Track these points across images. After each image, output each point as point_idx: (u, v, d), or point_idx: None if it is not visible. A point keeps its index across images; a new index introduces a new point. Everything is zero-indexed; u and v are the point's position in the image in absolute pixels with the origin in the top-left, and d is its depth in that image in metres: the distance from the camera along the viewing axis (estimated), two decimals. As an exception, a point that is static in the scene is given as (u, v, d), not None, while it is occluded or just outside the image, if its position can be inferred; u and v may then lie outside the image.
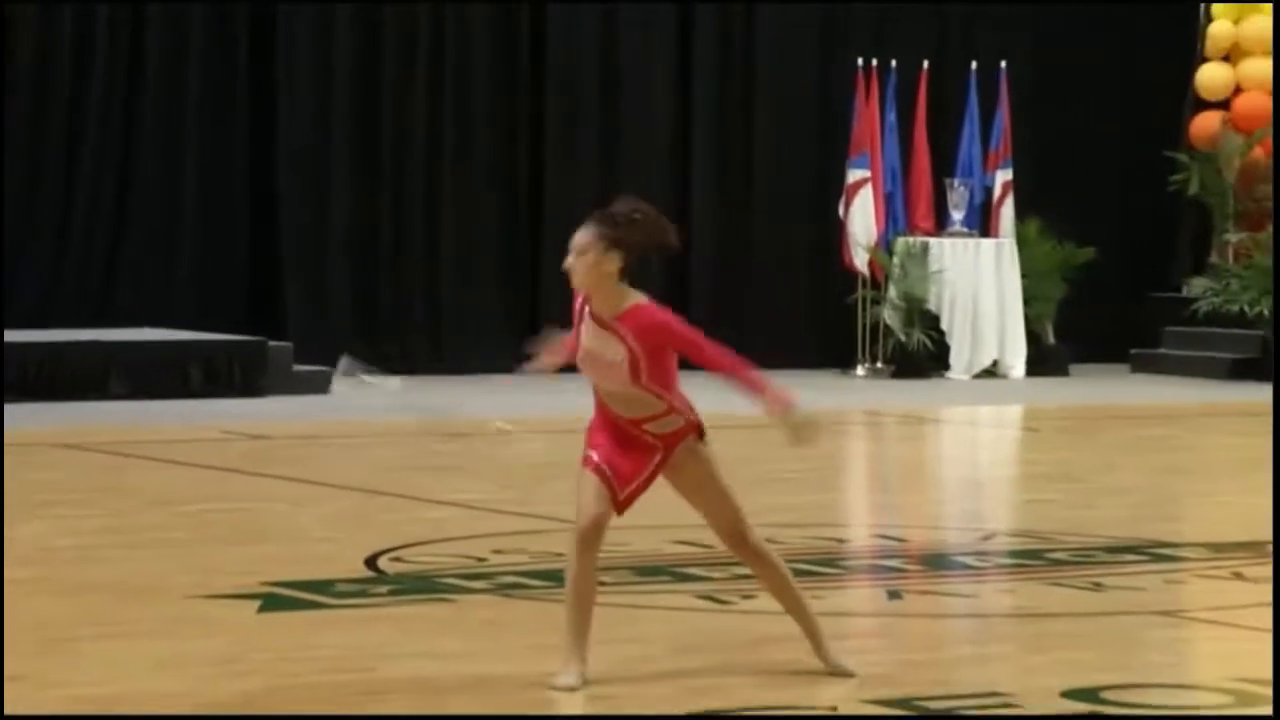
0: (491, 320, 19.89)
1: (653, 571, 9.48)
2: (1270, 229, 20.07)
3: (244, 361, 17.55)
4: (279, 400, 17.03)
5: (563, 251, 7.33)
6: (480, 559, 9.75)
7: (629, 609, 8.70)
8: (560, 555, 9.75)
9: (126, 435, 14.59)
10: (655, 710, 6.81)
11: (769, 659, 7.68)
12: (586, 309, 7.28)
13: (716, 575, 9.33)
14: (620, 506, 7.29)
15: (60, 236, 18.73)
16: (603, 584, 9.12)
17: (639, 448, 7.28)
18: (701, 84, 20.57)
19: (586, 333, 7.25)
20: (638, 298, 7.24)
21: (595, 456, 7.25)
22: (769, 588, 7.49)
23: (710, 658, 7.71)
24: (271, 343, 17.93)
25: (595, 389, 7.32)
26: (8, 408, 15.54)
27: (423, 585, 9.11)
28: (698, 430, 7.35)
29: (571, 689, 7.08)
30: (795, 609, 7.45)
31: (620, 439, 7.28)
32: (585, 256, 7.18)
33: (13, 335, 17.04)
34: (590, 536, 7.26)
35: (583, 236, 7.18)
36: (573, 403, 17.34)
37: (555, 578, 9.28)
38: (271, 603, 8.63)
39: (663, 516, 11.09)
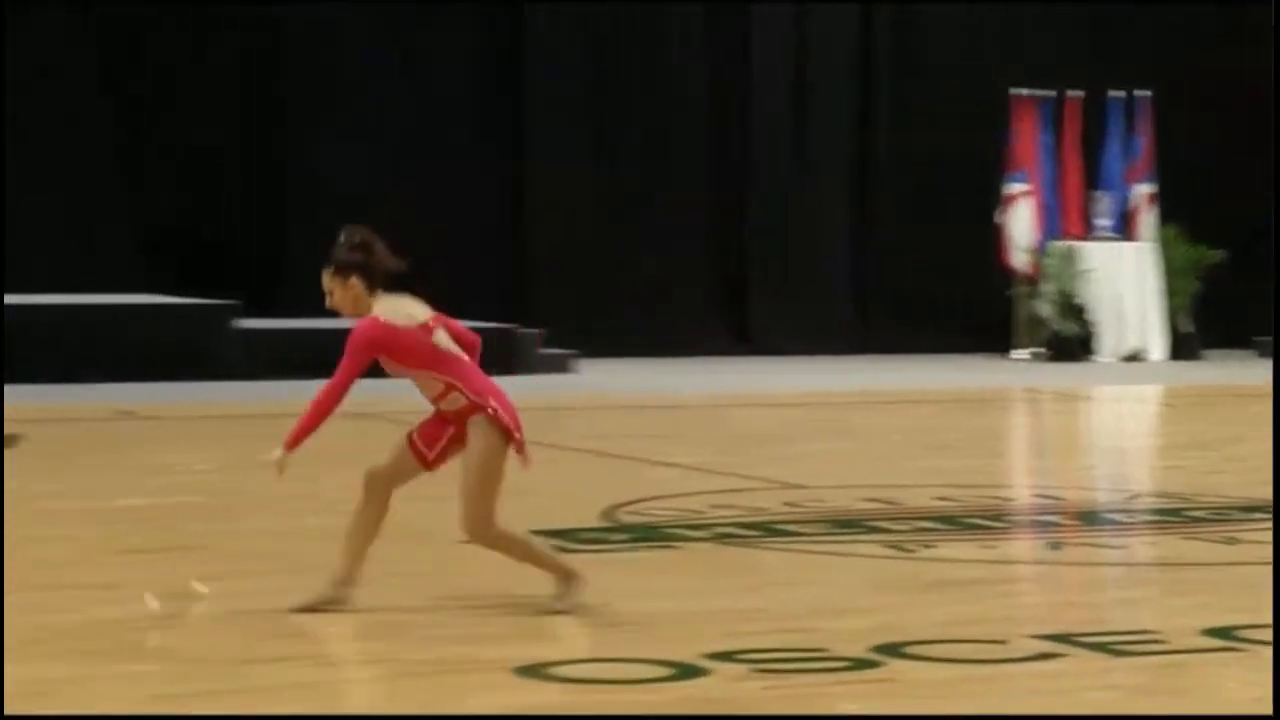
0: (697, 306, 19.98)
1: (846, 525, 9.45)
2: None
3: (500, 345, 17.69)
4: (529, 378, 17.15)
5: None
6: (699, 512, 9.76)
7: (826, 556, 8.68)
8: (766, 510, 9.82)
9: (402, 405, 14.71)
10: (847, 641, 6.80)
11: (946, 599, 7.64)
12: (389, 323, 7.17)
13: (901, 528, 9.30)
14: (430, 465, 7.21)
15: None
16: (803, 535, 9.16)
17: (440, 419, 7.19)
18: (883, 109, 20.60)
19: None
20: (372, 311, 7.10)
21: (412, 425, 7.24)
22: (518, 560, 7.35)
23: (894, 598, 7.67)
24: (521, 329, 18.05)
25: None
26: (257, 385, 15.67)
27: (652, 534, 9.13)
28: (484, 411, 7.12)
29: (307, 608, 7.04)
30: (544, 567, 7.31)
31: (433, 416, 7.23)
32: (333, 296, 7.15)
33: (303, 322, 17.29)
34: (371, 482, 7.22)
35: (325, 281, 7.13)
36: (774, 380, 17.42)
37: (763, 528, 9.31)
38: (526, 548, 8.67)
39: (853, 478, 11.11)
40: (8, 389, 15.47)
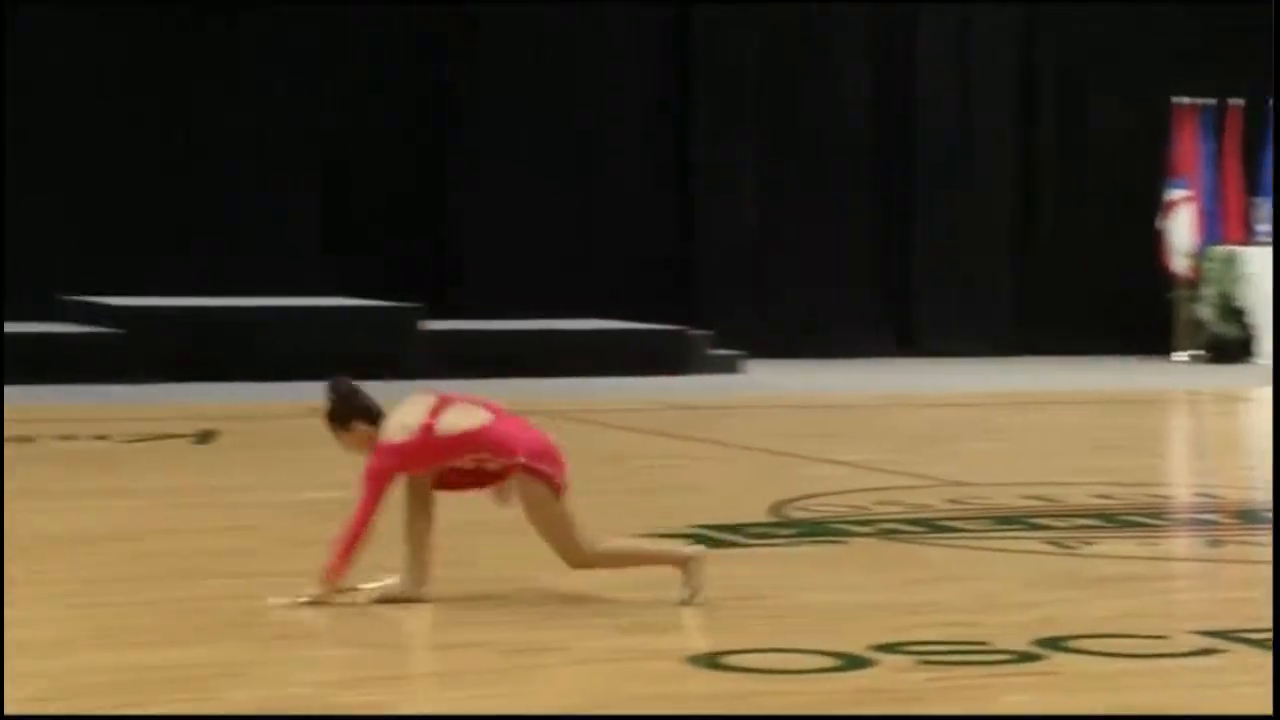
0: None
1: (1008, 521, 9.33)
2: None
3: (671, 346, 17.69)
4: (699, 378, 17.13)
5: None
6: (864, 508, 9.68)
7: (988, 552, 8.58)
8: (929, 507, 9.71)
9: (579, 405, 14.77)
10: (1010, 635, 6.70)
11: (1106, 594, 7.52)
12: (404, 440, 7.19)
13: (1061, 525, 9.17)
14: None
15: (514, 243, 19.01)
16: (966, 531, 9.05)
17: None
18: (1047, 113, 20.43)
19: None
20: (379, 441, 7.14)
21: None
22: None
23: (1055, 594, 7.56)
24: (691, 331, 18.04)
25: None
26: (485, 382, 15.84)
27: (819, 529, 9.07)
28: (518, 470, 7.07)
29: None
30: (659, 562, 7.23)
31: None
32: (344, 443, 7.25)
33: (485, 324, 17.40)
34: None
35: (333, 435, 7.27)
36: (936, 381, 17.27)
37: (928, 525, 9.21)
38: (699, 541, 8.63)
39: (1015, 475, 10.98)
40: (201, 386, 15.69)
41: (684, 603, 7.08)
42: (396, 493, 7.22)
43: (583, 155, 19.24)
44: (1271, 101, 19.48)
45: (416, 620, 6.93)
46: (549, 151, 19.12)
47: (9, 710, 5.69)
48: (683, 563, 7.20)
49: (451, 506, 7.37)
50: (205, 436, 12.42)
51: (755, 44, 19.63)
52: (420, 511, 7.22)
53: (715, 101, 19.54)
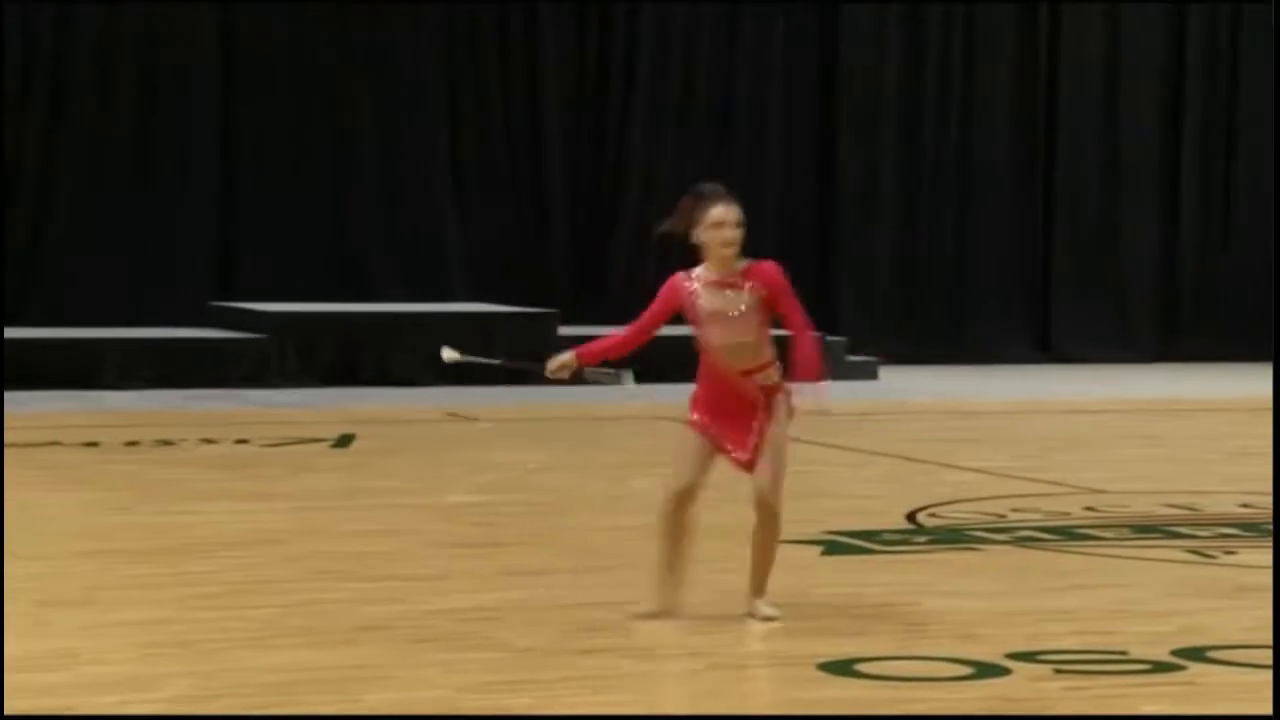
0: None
1: (1147, 530, 9.25)
2: None
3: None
4: (836, 384, 17.05)
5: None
6: (1000, 515, 9.63)
7: (1127, 560, 8.51)
8: (1067, 514, 9.65)
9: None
10: (1148, 644, 6.64)
11: (1247, 604, 7.44)
12: (695, 283, 6.99)
13: (1202, 534, 9.08)
14: (747, 466, 6.99)
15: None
16: (1103, 539, 8.98)
17: (742, 406, 6.95)
18: (1194, 114, 20.24)
19: (706, 298, 6.97)
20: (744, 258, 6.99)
21: (700, 419, 6.98)
22: (757, 542, 7.06)
23: (1195, 603, 7.50)
24: (829, 337, 17.99)
25: (707, 355, 7.00)
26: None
27: (954, 536, 9.03)
28: (785, 391, 6.98)
29: (651, 616, 6.88)
30: (765, 563, 7.06)
31: (723, 405, 6.96)
32: (742, 227, 6.98)
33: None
34: (686, 500, 6.99)
35: (739, 213, 6.97)
36: (1075, 387, 17.13)
37: (1065, 533, 9.15)
38: (832, 548, 8.65)
39: (1154, 483, 10.87)
40: (339, 391, 15.84)
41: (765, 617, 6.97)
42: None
43: (726, 162, 19.24)
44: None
45: (554, 625, 6.97)
46: (694, 157, 19.15)
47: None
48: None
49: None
50: (343, 440, 12.54)
51: (895, 42, 19.53)
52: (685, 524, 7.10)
53: (858, 104, 19.47)
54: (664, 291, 7.14)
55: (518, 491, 10.47)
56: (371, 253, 18.28)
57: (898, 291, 19.68)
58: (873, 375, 17.68)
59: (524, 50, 18.67)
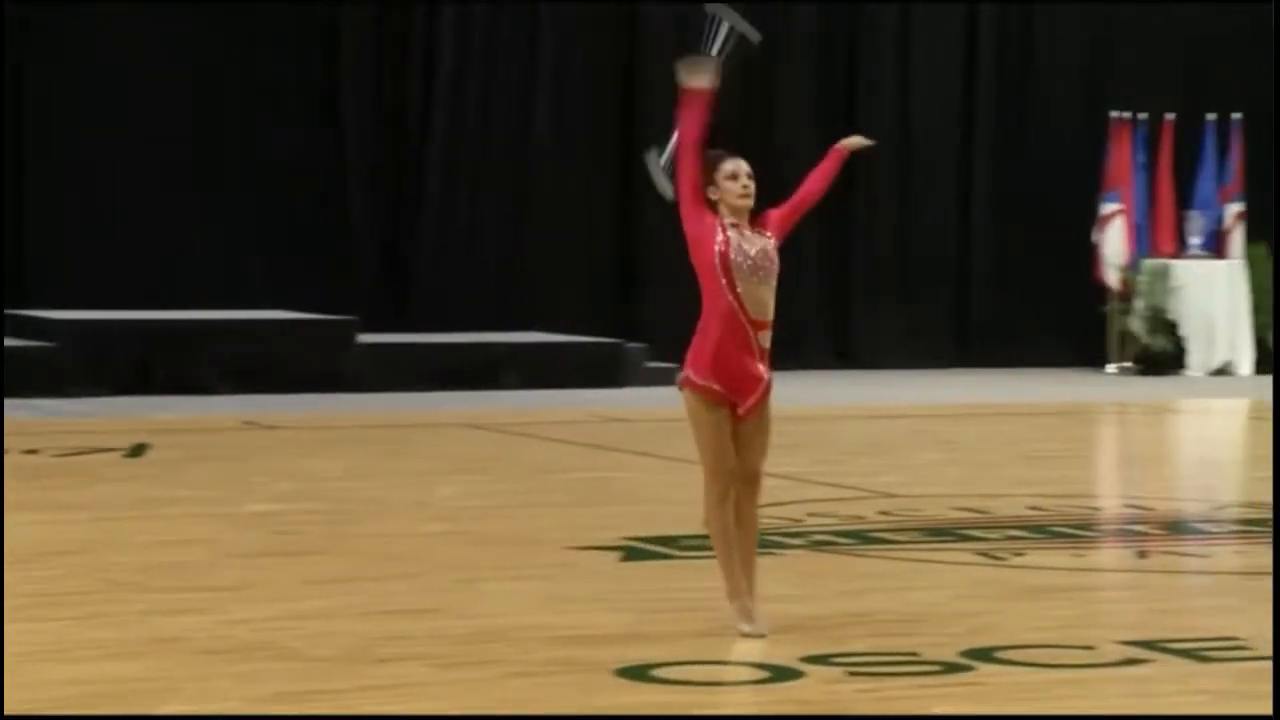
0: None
1: (939, 533, 9.42)
2: None
3: (609, 359, 17.73)
4: (635, 391, 17.18)
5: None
6: (798, 520, 9.75)
7: (920, 563, 8.66)
8: (862, 518, 9.79)
9: (516, 418, 14.82)
10: (939, 646, 6.77)
11: (1035, 605, 7.60)
12: (724, 231, 7.04)
13: (992, 537, 9.26)
14: (742, 417, 7.10)
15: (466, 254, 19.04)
16: (897, 542, 9.14)
17: (750, 362, 7.07)
18: (986, 134, 20.57)
19: (736, 238, 7.06)
20: None
21: (716, 384, 7.06)
22: (747, 519, 7.11)
23: (985, 605, 7.65)
24: (629, 344, 18.08)
25: (722, 306, 7.07)
26: (424, 396, 15.85)
27: (752, 541, 9.10)
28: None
29: (756, 634, 6.86)
30: (749, 557, 7.09)
31: (734, 361, 7.05)
32: (754, 180, 7.11)
33: (425, 336, 17.41)
34: (729, 492, 7.04)
35: (748, 166, 7.13)
36: (873, 393, 17.35)
37: (860, 536, 9.29)
38: (632, 554, 8.72)
39: (947, 488, 11.07)
40: (134, 400, 15.64)
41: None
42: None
43: (520, 171, 19.23)
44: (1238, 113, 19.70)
45: (352, 635, 6.96)
46: (482, 165, 19.13)
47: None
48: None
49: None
50: (136, 450, 12.40)
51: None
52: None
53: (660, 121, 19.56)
54: (693, 213, 7.08)
55: (319, 500, 10.43)
56: (168, 259, 18.07)
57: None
58: (671, 382, 17.78)
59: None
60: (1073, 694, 6.32)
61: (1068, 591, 7.91)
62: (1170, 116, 20.04)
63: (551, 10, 19.22)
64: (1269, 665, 6.57)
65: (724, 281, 7.04)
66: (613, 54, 19.46)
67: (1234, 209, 20.05)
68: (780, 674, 6.38)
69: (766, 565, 8.49)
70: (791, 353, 19.63)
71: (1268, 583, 8.37)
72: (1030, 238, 20.51)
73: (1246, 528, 9.99)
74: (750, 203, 7.11)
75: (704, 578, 8.18)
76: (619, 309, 19.39)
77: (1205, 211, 20.05)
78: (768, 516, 9.79)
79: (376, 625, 7.06)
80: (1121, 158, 19.96)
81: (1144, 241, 19.99)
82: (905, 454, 13.14)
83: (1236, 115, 20.05)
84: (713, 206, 7.12)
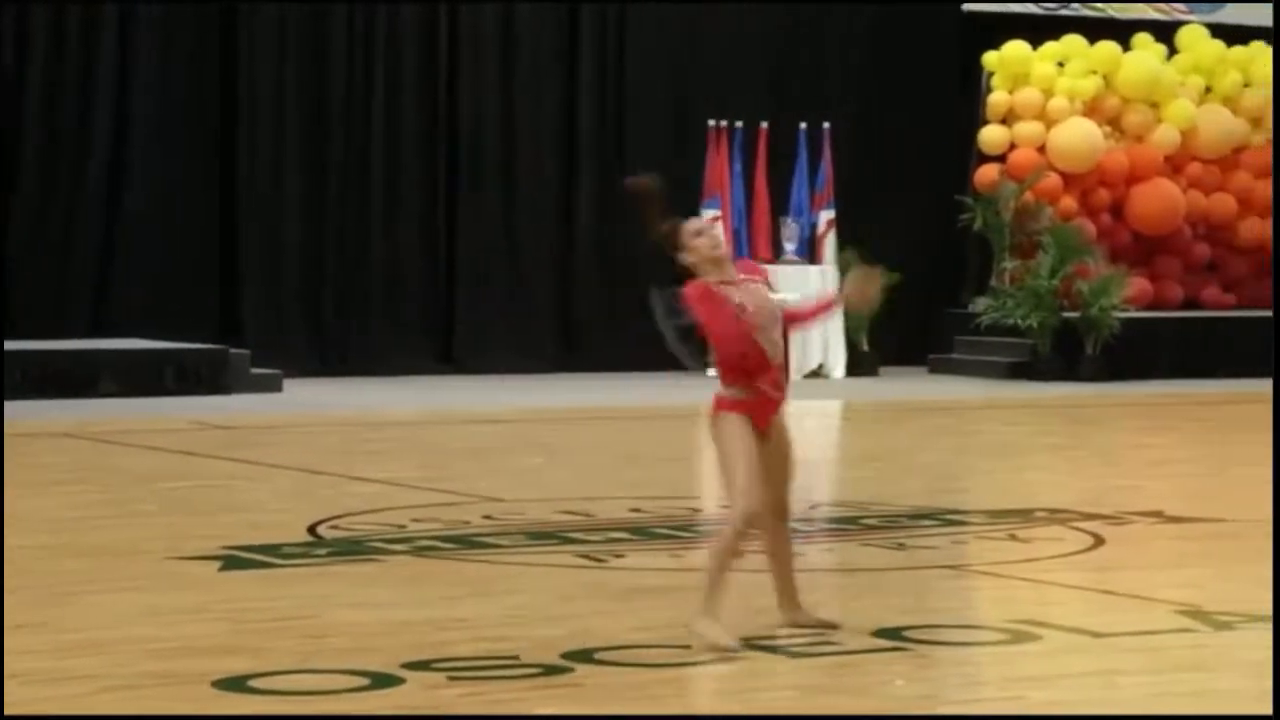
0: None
1: (542, 536, 9.46)
2: (1037, 258, 20.36)
3: (211, 365, 17.43)
4: (239, 397, 16.93)
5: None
6: (401, 526, 9.70)
7: (522, 567, 8.68)
8: (466, 523, 9.78)
9: (114, 426, 14.47)
10: (540, 649, 6.80)
11: (634, 606, 7.68)
12: (717, 289, 6.84)
13: (594, 539, 9.33)
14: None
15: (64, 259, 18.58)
16: (500, 546, 9.14)
17: (771, 403, 6.94)
18: (585, 134, 20.73)
19: (741, 298, 6.86)
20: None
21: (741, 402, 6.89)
22: (780, 550, 7.15)
23: (585, 606, 7.70)
24: (232, 350, 17.81)
25: (752, 360, 6.87)
26: (18, 404, 15.39)
27: (354, 548, 9.05)
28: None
29: (732, 650, 6.78)
30: (787, 574, 7.17)
31: (756, 404, 6.91)
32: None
33: (21, 344, 16.89)
34: (755, 521, 6.99)
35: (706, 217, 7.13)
36: (476, 398, 17.35)
37: (463, 541, 9.27)
38: (231, 563, 8.57)
39: (550, 491, 11.12)
40: None
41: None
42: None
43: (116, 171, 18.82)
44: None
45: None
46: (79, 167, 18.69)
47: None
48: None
49: None
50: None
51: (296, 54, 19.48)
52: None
53: (256, 111, 19.31)
54: (699, 295, 6.82)
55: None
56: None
57: (302, 305, 19.59)
58: (277, 388, 17.57)
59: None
60: (668, 693, 6.40)
61: (667, 592, 7.99)
62: (764, 125, 20.46)
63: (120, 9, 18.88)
64: (855, 659, 6.73)
65: (733, 338, 6.86)
66: (209, 54, 19.19)
67: (825, 216, 20.55)
68: (380, 680, 6.33)
69: (368, 572, 8.45)
70: (393, 358, 19.61)
71: (857, 578, 8.59)
72: (631, 248, 20.73)
73: (836, 526, 10.24)
74: (725, 251, 6.96)
75: (306, 585, 8.09)
76: (220, 314, 19.10)
77: (799, 218, 20.49)
78: (372, 523, 9.77)
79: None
80: (719, 164, 20.27)
81: (742, 247, 20.34)
82: (508, 458, 13.18)
83: (826, 124, 20.55)
84: (692, 271, 6.93)
